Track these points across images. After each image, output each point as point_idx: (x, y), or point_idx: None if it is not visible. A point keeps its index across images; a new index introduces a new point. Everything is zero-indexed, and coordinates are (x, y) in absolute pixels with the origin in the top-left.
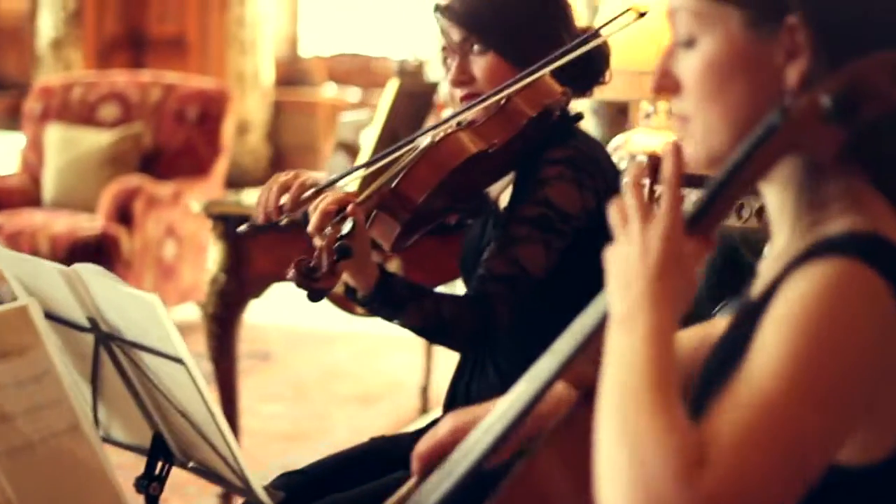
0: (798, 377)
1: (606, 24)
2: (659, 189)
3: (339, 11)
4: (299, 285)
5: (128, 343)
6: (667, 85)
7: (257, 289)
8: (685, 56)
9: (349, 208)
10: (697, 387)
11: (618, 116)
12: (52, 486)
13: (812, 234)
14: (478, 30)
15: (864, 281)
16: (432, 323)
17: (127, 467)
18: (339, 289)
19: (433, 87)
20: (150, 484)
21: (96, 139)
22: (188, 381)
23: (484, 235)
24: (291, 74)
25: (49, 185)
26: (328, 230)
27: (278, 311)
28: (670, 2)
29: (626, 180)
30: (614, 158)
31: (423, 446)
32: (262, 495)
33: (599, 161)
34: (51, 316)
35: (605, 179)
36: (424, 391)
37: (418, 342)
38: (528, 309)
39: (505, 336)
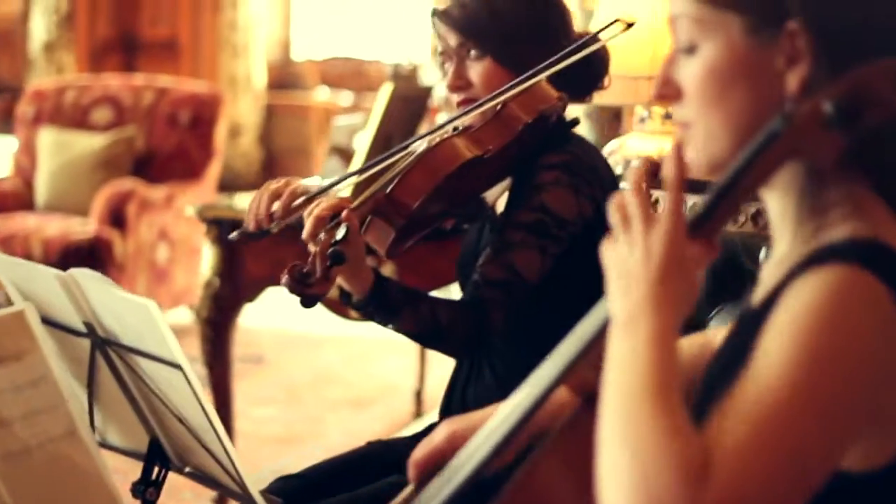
0: (801, 384)
1: (595, 34)
2: (655, 194)
3: (332, 15)
4: (292, 291)
5: (124, 348)
6: (668, 93)
7: (252, 293)
8: (686, 63)
9: (343, 214)
10: (699, 393)
11: (612, 121)
12: (49, 491)
13: (814, 241)
14: (475, 35)
15: (865, 288)
16: (427, 328)
17: (122, 471)
18: (333, 293)
19: (427, 92)
20: (147, 489)
21: (89, 143)
22: (185, 386)
23: (481, 240)
24: (284, 78)
25: (42, 189)
26: (322, 236)
27: (271, 314)
28: (671, 9)
29: (624, 184)
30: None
31: (419, 453)
32: (260, 500)
33: (596, 167)
34: (47, 321)
35: (602, 185)
36: (418, 395)
37: (412, 346)
38: (525, 314)
39: (501, 340)
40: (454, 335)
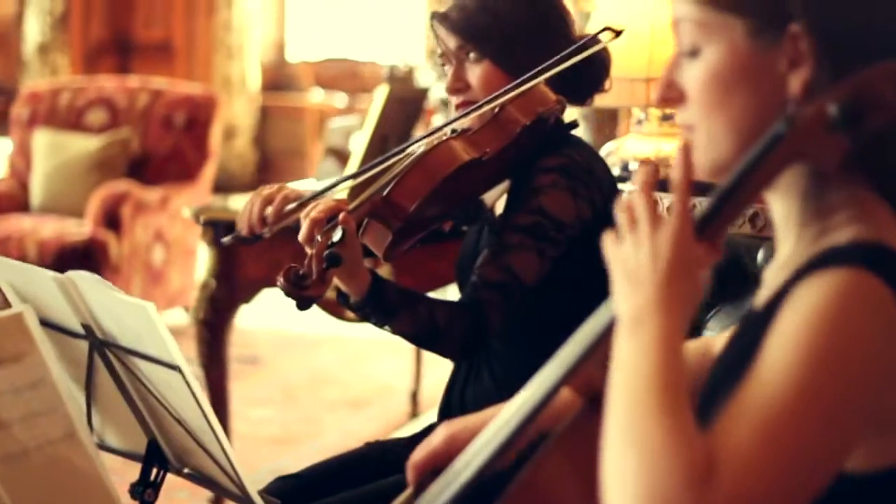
0: (805, 386)
1: (583, 43)
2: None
3: (326, 16)
4: (288, 294)
5: (123, 349)
6: (671, 96)
7: (248, 294)
8: (689, 66)
9: (340, 216)
10: (703, 395)
11: (608, 123)
12: (48, 493)
13: (818, 244)
14: (473, 38)
15: (869, 290)
16: (424, 329)
17: (120, 472)
18: (330, 294)
19: (423, 93)
20: (145, 490)
21: (84, 144)
22: (183, 388)
23: (480, 242)
24: (278, 79)
25: (37, 191)
26: (318, 238)
27: (267, 315)
28: (674, 12)
29: (626, 186)
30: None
31: (417, 456)
32: (259, 501)
33: (594, 169)
34: (45, 323)
35: (601, 188)
36: (414, 396)
37: (408, 347)
38: (523, 316)
39: (499, 342)
40: (451, 336)
